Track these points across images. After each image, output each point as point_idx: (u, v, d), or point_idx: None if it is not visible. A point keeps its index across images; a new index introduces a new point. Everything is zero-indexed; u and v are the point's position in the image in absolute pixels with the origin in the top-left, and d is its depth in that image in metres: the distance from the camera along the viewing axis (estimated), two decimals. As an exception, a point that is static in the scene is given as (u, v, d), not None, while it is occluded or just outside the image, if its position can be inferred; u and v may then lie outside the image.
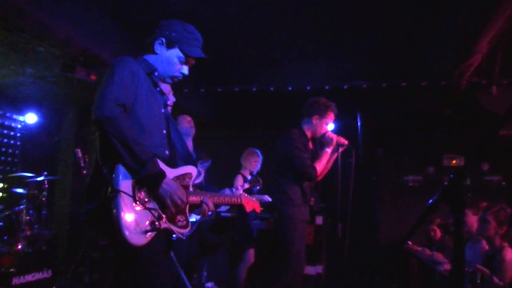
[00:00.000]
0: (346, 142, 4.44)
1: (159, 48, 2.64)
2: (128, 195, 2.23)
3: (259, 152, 6.44)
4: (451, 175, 1.61)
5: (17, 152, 7.99)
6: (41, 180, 5.99)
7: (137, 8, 4.59)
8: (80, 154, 6.56)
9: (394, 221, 7.33)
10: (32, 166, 7.58)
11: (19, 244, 5.28)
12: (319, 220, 6.71)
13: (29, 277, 5.10)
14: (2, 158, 7.70)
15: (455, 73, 5.24)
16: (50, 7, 4.20)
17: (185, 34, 2.66)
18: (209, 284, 7.54)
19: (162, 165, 2.42)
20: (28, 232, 5.44)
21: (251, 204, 3.25)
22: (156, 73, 2.64)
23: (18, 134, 8.04)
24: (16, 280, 4.88)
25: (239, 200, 3.14)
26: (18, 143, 8.01)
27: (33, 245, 5.49)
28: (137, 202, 2.27)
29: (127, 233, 2.17)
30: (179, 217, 2.49)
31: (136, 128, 2.36)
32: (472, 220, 4.62)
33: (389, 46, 5.32)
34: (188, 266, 5.79)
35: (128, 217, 2.20)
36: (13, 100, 7.77)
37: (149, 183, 2.31)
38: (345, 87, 4.28)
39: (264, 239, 6.22)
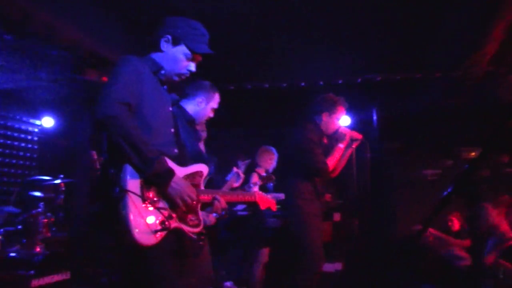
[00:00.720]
0: (360, 136, 4.38)
1: (164, 46, 2.61)
2: (137, 194, 2.20)
3: (274, 150, 6.38)
4: (466, 167, 1.55)
5: (35, 156, 8.07)
6: (57, 183, 6.03)
7: (146, 9, 4.58)
8: (95, 157, 6.60)
9: (413, 215, 7.21)
10: (49, 169, 7.65)
11: (37, 246, 5.32)
12: (336, 216, 6.64)
13: (48, 279, 5.13)
14: (21, 162, 7.78)
15: (468, 63, 5.12)
16: (57, 10, 4.20)
17: (190, 30, 2.63)
18: (227, 283, 7.52)
19: (171, 164, 2.39)
20: (46, 235, 5.49)
21: (266, 201, 3.22)
22: (162, 71, 2.61)
23: (36, 138, 8.12)
24: (35, 282, 4.90)
25: (253, 197, 3.10)
26: (36, 147, 8.09)
27: (51, 248, 5.53)
28: (146, 202, 2.23)
29: (136, 233, 2.14)
30: (190, 216, 2.46)
31: (142, 127, 2.33)
32: (493, 213, 4.52)
33: (401, 37, 5.23)
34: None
35: (137, 217, 2.17)
36: (29, 104, 7.84)
37: (157, 182, 2.28)
38: (358, 81, 4.22)
39: (280, 237, 6.18)
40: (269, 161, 6.25)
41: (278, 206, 6.45)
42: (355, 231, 5.02)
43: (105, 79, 5.15)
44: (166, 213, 2.29)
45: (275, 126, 7.28)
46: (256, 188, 4.97)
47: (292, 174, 4.36)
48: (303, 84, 6.03)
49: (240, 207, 6.17)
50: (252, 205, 5.89)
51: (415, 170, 7.46)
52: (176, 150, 2.56)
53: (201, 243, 2.55)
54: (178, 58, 2.61)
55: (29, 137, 8.02)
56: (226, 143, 6.95)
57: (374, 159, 4.77)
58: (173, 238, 2.38)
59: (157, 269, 2.30)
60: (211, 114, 3.73)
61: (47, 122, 8.05)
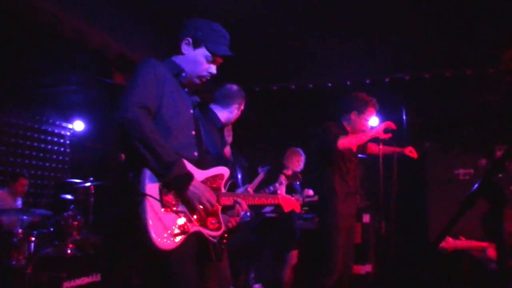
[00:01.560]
0: (391, 125, 4.22)
1: (185, 48, 2.59)
2: (155, 199, 2.19)
3: (301, 151, 6.33)
4: (490, 167, 1.48)
5: (67, 159, 8.24)
6: (88, 186, 6.13)
7: (173, 11, 4.61)
8: (123, 159, 6.68)
9: (445, 216, 7.05)
10: (80, 172, 7.80)
11: (68, 248, 5.41)
12: (366, 218, 6.55)
13: (79, 281, 5.21)
14: (53, 165, 7.95)
15: (503, 59, 4.97)
16: (85, 14, 4.27)
17: (211, 32, 2.61)
18: (257, 286, 7.50)
19: (190, 167, 2.37)
20: (77, 237, 5.57)
21: (290, 203, 3.17)
22: (183, 74, 2.59)
23: (68, 141, 8.28)
24: (66, 284, 4.99)
25: (276, 200, 3.07)
26: (68, 150, 8.25)
27: (81, 250, 5.62)
28: (165, 206, 2.22)
29: (155, 237, 2.13)
30: (210, 219, 2.44)
31: (162, 130, 2.32)
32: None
33: (430, 35, 5.12)
34: (233, 267, 5.77)
35: (156, 221, 2.16)
36: (61, 108, 8.01)
37: (176, 186, 2.26)
38: (386, 80, 4.13)
39: (308, 239, 6.12)
40: (296, 162, 6.21)
41: (306, 208, 6.45)
42: (382, 233, 4.92)
43: (131, 82, 5.20)
44: (185, 217, 2.27)
45: (302, 126, 7.22)
46: (282, 188, 4.94)
47: (322, 172, 4.30)
48: (329, 84, 5.96)
49: (268, 209, 6.15)
50: (276, 207, 5.87)
51: (447, 170, 7.30)
52: (196, 153, 2.54)
53: (222, 246, 2.53)
54: (198, 60, 2.60)
55: (61, 141, 8.19)
56: (253, 144, 6.93)
57: (405, 160, 4.66)
58: (193, 242, 2.36)
59: (177, 273, 2.28)
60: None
61: (78, 125, 8.20)
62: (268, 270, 7.40)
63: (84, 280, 5.30)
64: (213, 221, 2.45)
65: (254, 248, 7.61)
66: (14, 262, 4.90)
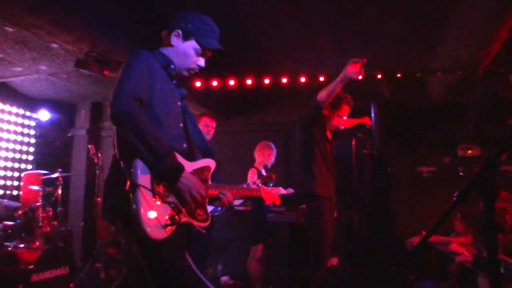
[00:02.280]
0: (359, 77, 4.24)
1: (175, 40, 2.60)
2: (147, 189, 2.20)
3: (273, 145, 6.39)
4: (483, 163, 1.57)
5: (32, 149, 8.03)
6: (55, 177, 6.01)
7: (150, 3, 4.57)
8: (93, 151, 6.59)
9: (410, 212, 7.28)
10: (47, 163, 7.63)
11: (37, 241, 5.31)
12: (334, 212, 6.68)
13: (48, 274, 5.12)
14: (18, 156, 7.75)
15: (473, 62, 5.15)
16: (63, 3, 4.18)
17: (202, 25, 2.62)
18: (224, 278, 7.55)
19: (180, 159, 2.39)
20: (45, 229, 5.47)
21: (271, 196, 3.22)
22: (172, 66, 2.59)
23: (33, 132, 8.08)
24: (35, 277, 4.90)
25: (258, 192, 3.11)
26: (33, 140, 8.05)
27: (50, 242, 5.52)
28: (156, 196, 2.24)
29: (147, 227, 2.15)
30: (198, 211, 2.47)
31: (153, 121, 2.32)
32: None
33: (404, 35, 5.25)
34: (202, 260, 5.79)
35: (148, 211, 2.17)
36: (27, 97, 7.81)
37: (167, 177, 2.28)
38: (359, 78, 4.19)
39: (279, 232, 6.20)
40: (268, 156, 6.25)
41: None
42: (354, 227, 5.04)
43: (106, 72, 5.14)
44: (175, 207, 2.29)
45: (275, 121, 7.28)
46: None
47: (305, 160, 4.36)
48: (303, 79, 6.03)
49: (237, 202, 6.17)
50: (257, 200, 5.91)
51: (413, 167, 7.53)
52: (185, 145, 2.56)
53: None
54: (188, 53, 2.60)
55: (26, 131, 7.98)
56: (225, 137, 6.97)
57: (372, 156, 4.79)
58: (182, 232, 2.40)
59: (168, 262, 2.30)
60: None
61: (44, 115, 8.01)
62: (236, 263, 7.46)
63: (53, 272, 5.22)
64: (201, 213, 2.48)
65: (223, 241, 7.65)
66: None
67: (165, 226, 2.23)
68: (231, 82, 6.23)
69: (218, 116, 5.72)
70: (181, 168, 2.32)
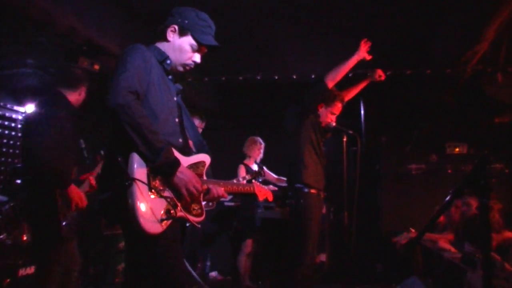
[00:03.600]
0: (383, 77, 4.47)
1: (171, 36, 2.61)
2: (143, 183, 2.21)
3: (261, 140, 6.41)
4: (477, 161, 1.60)
5: (18, 143, 7.93)
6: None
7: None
8: (83, 145, 6.53)
9: (397, 209, 7.34)
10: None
11: (24, 235, 5.26)
12: (323, 209, 6.71)
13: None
14: (4, 149, 7.66)
15: (461, 61, 5.21)
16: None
17: (198, 21, 2.62)
18: (212, 273, 7.57)
19: (176, 153, 2.40)
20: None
21: (264, 192, 3.24)
22: (168, 61, 2.60)
23: (19, 126, 7.98)
24: (22, 272, 4.87)
25: (251, 188, 3.13)
26: (19, 134, 7.95)
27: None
28: (152, 190, 2.25)
29: (143, 221, 2.15)
30: (194, 206, 2.49)
31: (149, 116, 2.33)
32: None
33: (393, 33, 5.29)
34: (192, 255, 5.80)
35: (144, 205, 2.18)
36: (13, 91, 7.69)
37: (164, 172, 2.29)
38: (350, 75, 4.22)
39: (268, 228, 6.22)
40: (258, 151, 6.29)
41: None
42: (344, 224, 5.07)
43: (97, 67, 5.10)
44: (171, 202, 2.30)
45: (265, 118, 7.29)
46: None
47: (297, 150, 4.36)
48: (294, 76, 6.06)
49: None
50: (241, 196, 5.93)
51: (400, 164, 7.59)
52: (181, 140, 2.58)
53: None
54: (184, 48, 2.61)
55: (13, 124, 7.88)
56: (215, 134, 6.94)
57: (361, 153, 4.81)
58: (177, 227, 2.42)
59: (163, 257, 2.32)
60: None
61: (31, 109, 7.92)
62: (224, 259, 7.48)
63: (41, 267, 5.19)
64: (196, 207, 2.50)
65: (212, 236, 7.66)
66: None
67: (161, 220, 2.24)
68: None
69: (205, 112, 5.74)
70: (177, 163, 2.33)
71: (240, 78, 6.16)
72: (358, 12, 4.91)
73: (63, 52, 5.17)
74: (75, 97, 3.80)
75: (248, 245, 6.25)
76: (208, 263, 7.64)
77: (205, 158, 2.71)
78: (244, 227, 6.35)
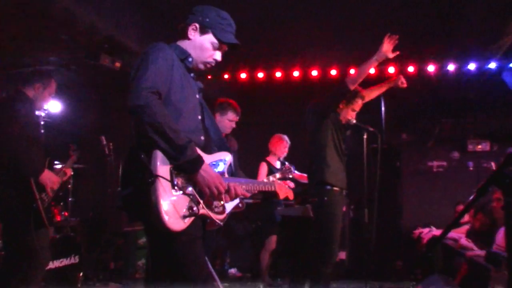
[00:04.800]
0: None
1: (192, 34, 2.60)
2: (167, 180, 2.21)
3: (287, 138, 6.38)
4: (503, 159, 1.57)
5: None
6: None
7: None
8: (104, 142, 6.60)
9: (418, 206, 7.27)
10: (56, 154, 7.64)
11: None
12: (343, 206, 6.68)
13: (58, 263, 5.18)
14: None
15: (484, 55, 5.13)
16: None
17: (219, 20, 2.62)
18: (232, 270, 7.59)
19: (198, 151, 2.40)
20: (56, 219, 5.51)
21: (284, 191, 3.23)
22: (189, 59, 2.60)
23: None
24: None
25: (272, 187, 3.11)
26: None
27: (60, 232, 5.57)
28: (175, 188, 2.25)
29: (166, 218, 2.15)
30: (215, 203, 2.48)
31: (172, 114, 2.33)
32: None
33: (415, 28, 5.23)
34: (212, 252, 5.82)
35: (167, 202, 2.19)
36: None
37: (187, 169, 2.29)
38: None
39: (288, 225, 6.21)
40: (284, 149, 6.25)
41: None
42: (364, 221, 5.03)
43: (118, 64, 5.14)
44: (194, 199, 2.30)
45: (286, 114, 7.27)
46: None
47: (317, 147, 4.34)
48: (315, 73, 6.03)
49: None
50: (271, 195, 5.92)
51: (422, 162, 7.51)
52: (203, 138, 2.57)
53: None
54: (205, 46, 2.60)
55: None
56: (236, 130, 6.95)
57: (381, 150, 4.77)
58: (199, 224, 2.42)
59: (186, 254, 2.33)
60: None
61: (54, 106, 8.02)
62: (243, 256, 7.49)
63: (63, 262, 5.27)
64: (218, 205, 2.50)
65: (231, 233, 7.68)
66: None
67: (184, 217, 2.24)
68: (243, 76, 6.23)
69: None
70: (200, 160, 2.33)
71: (261, 75, 6.15)
72: (379, 7, 4.85)
73: (84, 50, 5.23)
74: (32, 93, 3.95)
75: (272, 242, 6.24)
76: (228, 260, 7.67)
77: (227, 156, 2.70)
78: (264, 224, 6.35)
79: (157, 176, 2.18)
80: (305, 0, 4.87)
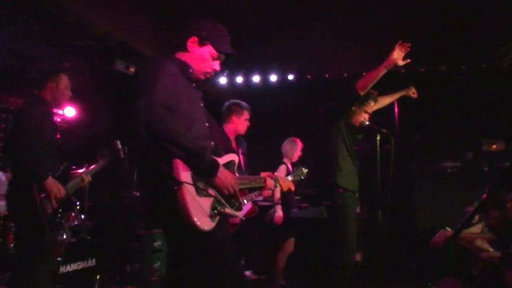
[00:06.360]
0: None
1: (191, 46, 2.73)
2: (191, 185, 2.35)
3: (299, 141, 6.39)
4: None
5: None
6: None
7: (176, 1, 4.63)
8: (119, 146, 6.66)
9: (432, 208, 7.22)
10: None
11: (65, 234, 5.41)
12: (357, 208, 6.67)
13: (75, 266, 5.25)
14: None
15: (496, 55, 5.11)
16: (90, 0, 4.27)
17: (215, 31, 2.76)
18: (246, 273, 7.60)
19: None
20: (73, 222, 5.58)
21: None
22: (190, 70, 2.71)
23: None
24: (62, 269, 5.02)
25: (262, 183, 3.27)
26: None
27: (77, 235, 5.64)
28: (199, 191, 2.40)
29: (197, 220, 2.31)
30: (233, 201, 2.65)
31: (184, 124, 2.48)
32: None
33: (427, 29, 5.23)
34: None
35: (195, 205, 2.33)
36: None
37: (207, 173, 2.45)
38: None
39: (302, 227, 6.22)
40: (298, 152, 6.27)
41: (298, 197, 6.53)
42: (378, 223, 5.03)
43: (132, 69, 5.21)
44: (216, 199, 2.48)
45: (297, 117, 7.29)
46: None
47: (328, 150, 4.35)
48: (327, 75, 6.05)
49: (260, 197, 6.20)
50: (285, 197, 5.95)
51: (436, 162, 7.46)
52: (212, 143, 2.72)
53: None
54: (204, 57, 2.73)
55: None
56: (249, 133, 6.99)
57: (394, 151, 4.75)
58: (224, 222, 2.57)
59: (218, 251, 2.47)
60: None
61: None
62: (258, 258, 7.50)
63: (80, 264, 5.34)
64: (236, 203, 2.68)
65: (245, 236, 7.70)
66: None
67: (211, 217, 2.41)
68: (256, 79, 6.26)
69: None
70: (217, 164, 2.50)
71: (274, 78, 6.18)
72: (390, 9, 4.86)
73: (98, 55, 5.31)
74: (47, 94, 4.00)
75: (290, 244, 6.26)
76: (242, 262, 7.68)
77: (234, 157, 2.87)
78: (281, 227, 6.35)
79: (182, 182, 2.31)
80: (319, 5, 4.89)
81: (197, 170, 2.40)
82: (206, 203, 2.43)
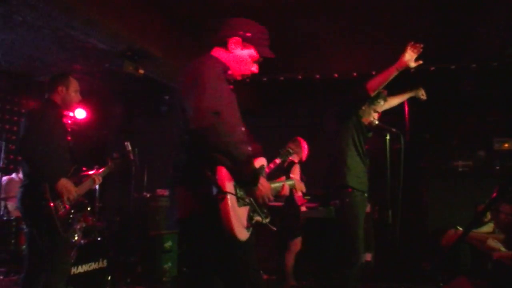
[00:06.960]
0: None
1: (233, 47, 2.64)
2: (234, 195, 2.33)
3: (302, 139, 6.38)
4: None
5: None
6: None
7: (183, 1, 4.63)
8: (129, 147, 6.70)
9: (443, 207, 7.17)
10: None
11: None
12: (367, 208, 6.64)
13: (86, 267, 5.28)
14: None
15: (507, 53, 5.06)
16: (97, 2, 4.28)
17: (259, 34, 2.68)
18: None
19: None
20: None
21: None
22: (229, 72, 2.64)
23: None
24: (74, 270, 5.05)
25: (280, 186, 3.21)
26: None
27: (88, 236, 5.67)
28: (240, 201, 2.38)
29: (237, 230, 2.29)
30: (262, 209, 2.61)
31: (227, 130, 2.35)
32: None
33: (437, 28, 5.19)
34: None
35: (236, 215, 2.31)
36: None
37: (249, 183, 2.41)
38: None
39: (311, 227, 6.21)
40: (306, 151, 6.26)
41: (308, 197, 6.52)
42: (388, 222, 5.00)
43: (141, 71, 5.22)
44: (251, 209, 2.49)
45: (307, 117, 7.28)
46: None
47: (338, 149, 4.32)
48: (336, 75, 6.03)
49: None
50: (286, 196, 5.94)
51: (447, 161, 7.40)
52: (250, 148, 2.56)
53: None
54: (246, 60, 2.65)
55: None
56: (258, 133, 7.01)
57: (404, 150, 4.72)
58: (253, 231, 2.54)
59: (247, 260, 2.46)
60: None
61: (80, 113, 8.18)
62: (268, 258, 7.50)
63: (92, 266, 5.37)
64: (265, 211, 2.64)
65: (256, 236, 7.69)
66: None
67: (247, 226, 2.43)
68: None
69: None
70: (259, 174, 2.43)
71: (281, 78, 6.17)
72: (399, 7, 4.83)
73: (108, 57, 5.33)
74: (58, 97, 4.06)
75: (297, 243, 6.25)
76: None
77: (264, 161, 2.81)
78: (288, 226, 6.35)
79: (226, 192, 2.28)
80: (328, 5, 4.88)
81: (240, 179, 2.36)
82: (244, 213, 2.44)
